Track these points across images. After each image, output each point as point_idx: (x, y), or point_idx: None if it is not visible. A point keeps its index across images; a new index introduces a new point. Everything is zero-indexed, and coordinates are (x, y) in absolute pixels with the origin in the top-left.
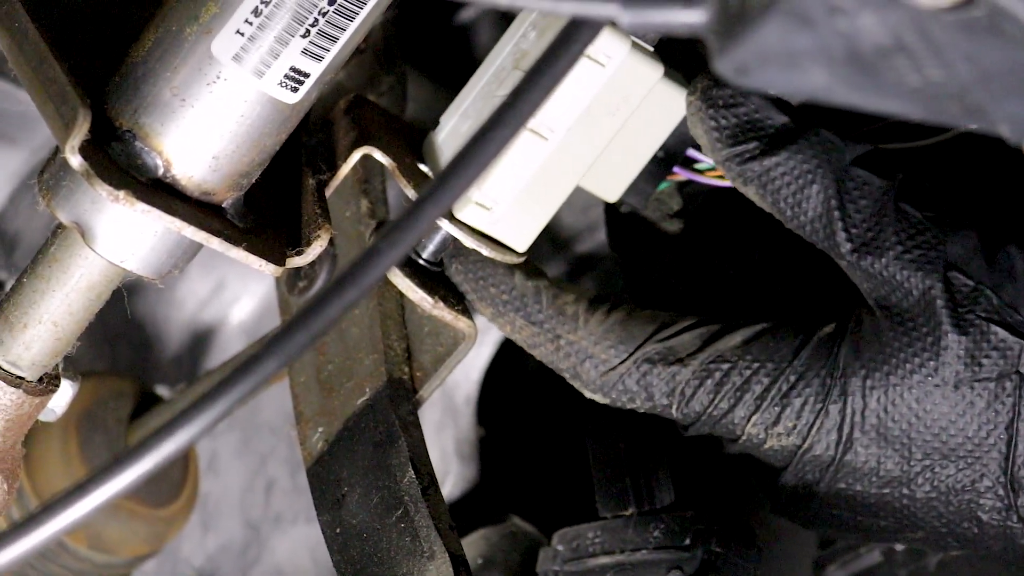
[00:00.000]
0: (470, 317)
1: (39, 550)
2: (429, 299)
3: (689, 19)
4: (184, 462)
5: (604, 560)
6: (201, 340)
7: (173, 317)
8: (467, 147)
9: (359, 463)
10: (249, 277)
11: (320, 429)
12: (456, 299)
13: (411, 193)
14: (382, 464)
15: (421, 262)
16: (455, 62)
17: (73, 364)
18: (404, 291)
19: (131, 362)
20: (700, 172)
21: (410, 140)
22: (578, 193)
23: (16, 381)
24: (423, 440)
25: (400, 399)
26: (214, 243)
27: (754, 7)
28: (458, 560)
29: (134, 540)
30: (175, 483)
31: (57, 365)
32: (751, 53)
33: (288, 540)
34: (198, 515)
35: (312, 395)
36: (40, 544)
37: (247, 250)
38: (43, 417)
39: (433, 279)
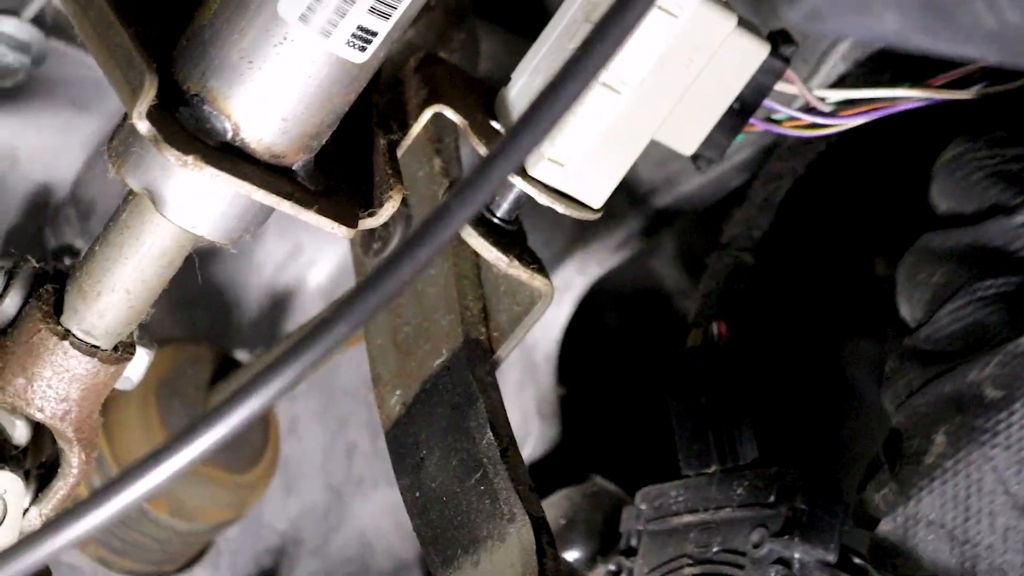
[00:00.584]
0: (546, 275)
1: (119, 517)
2: (504, 258)
3: None
4: (264, 427)
5: (688, 519)
6: (279, 304)
7: (251, 281)
8: (536, 102)
9: (437, 425)
10: (326, 240)
11: (398, 392)
12: (532, 258)
13: (483, 151)
14: (460, 426)
15: (496, 221)
16: (529, 16)
17: (150, 331)
18: (479, 250)
19: (209, 328)
20: (778, 123)
21: (482, 97)
22: (654, 146)
23: (91, 350)
24: (501, 401)
25: (477, 360)
26: (284, 206)
27: None
28: (539, 522)
29: (216, 506)
30: (255, 448)
31: (132, 333)
32: None
33: (370, 504)
34: (280, 479)
35: (389, 358)
36: (120, 511)
37: (318, 212)
38: (120, 385)
39: (508, 238)
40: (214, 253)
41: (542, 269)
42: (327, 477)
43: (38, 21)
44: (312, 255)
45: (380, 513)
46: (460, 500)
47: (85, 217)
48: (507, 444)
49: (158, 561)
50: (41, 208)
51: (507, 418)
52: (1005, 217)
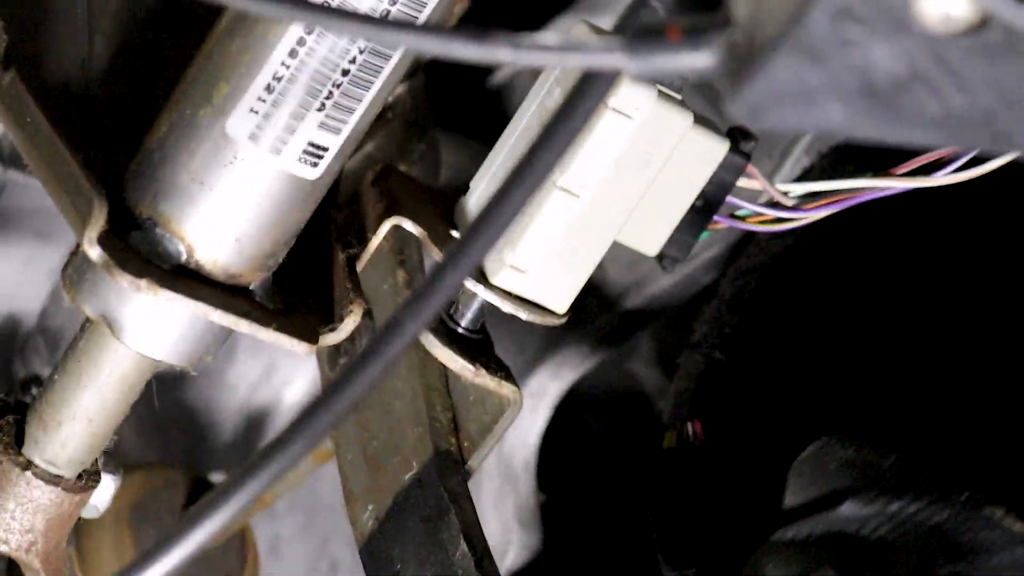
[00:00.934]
0: (514, 383)
1: None
2: (471, 367)
3: (697, 62)
4: (240, 547)
5: None
6: (254, 424)
7: (225, 402)
8: (486, 209)
9: (411, 539)
10: (300, 359)
11: (370, 507)
12: (499, 365)
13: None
14: (434, 539)
15: (460, 331)
16: (490, 125)
17: (121, 456)
18: (444, 361)
19: (184, 450)
20: (742, 219)
21: (442, 207)
22: (622, 249)
23: (54, 479)
24: (474, 511)
25: (448, 471)
26: (242, 326)
27: (762, 45)
28: None
29: None
30: (232, 570)
31: (96, 460)
32: (763, 93)
33: None
34: None
35: (360, 473)
36: None
37: (277, 330)
38: (86, 514)
39: (474, 347)
40: (186, 375)
41: (510, 376)
42: None
43: None
44: (287, 374)
45: None
46: None
47: (53, 347)
48: (481, 554)
49: None
50: (8, 339)
51: (480, 528)
52: (857, 502)
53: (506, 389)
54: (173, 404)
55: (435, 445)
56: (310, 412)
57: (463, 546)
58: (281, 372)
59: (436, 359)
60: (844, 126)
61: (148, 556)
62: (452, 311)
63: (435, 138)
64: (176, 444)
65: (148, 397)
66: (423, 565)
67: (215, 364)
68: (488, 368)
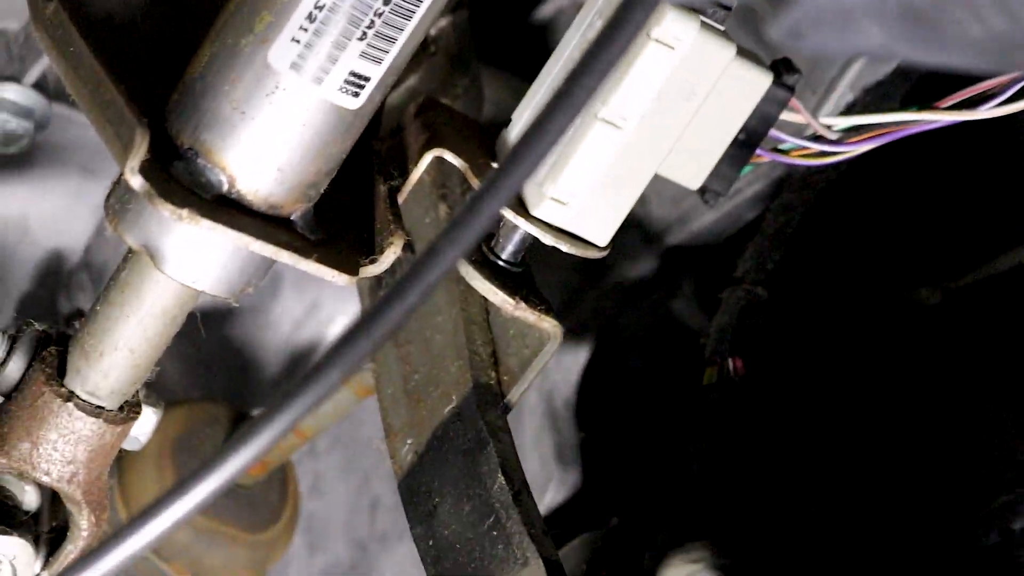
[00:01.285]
0: (554, 317)
1: (125, 566)
2: (511, 300)
3: None
4: (282, 484)
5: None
6: (298, 362)
7: (269, 340)
8: (524, 137)
9: (449, 473)
10: (344, 296)
11: (409, 441)
12: (539, 299)
13: None
14: (472, 472)
15: (501, 263)
16: (534, 60)
17: (164, 391)
18: (484, 293)
19: (227, 387)
20: (785, 153)
21: (484, 140)
22: (666, 184)
23: (96, 411)
24: (513, 445)
25: (487, 404)
26: (284, 256)
27: None
28: (552, 565)
29: (235, 566)
30: (273, 506)
31: (138, 392)
32: (803, 15)
33: (395, 557)
34: (304, 537)
35: (400, 407)
36: (126, 560)
37: (318, 261)
38: (128, 446)
39: (515, 280)
40: (231, 311)
41: (550, 310)
42: (351, 533)
43: (40, 86)
44: (330, 312)
45: (405, 566)
46: (473, 547)
47: (98, 282)
48: (519, 488)
49: None
50: (53, 275)
51: (519, 462)
52: None
53: (546, 323)
54: (217, 341)
55: (475, 379)
56: (348, 339)
57: (501, 479)
58: (325, 309)
59: (477, 293)
60: (884, 49)
61: (188, 480)
62: (493, 244)
63: (478, 73)
64: (219, 381)
65: (193, 334)
66: (461, 498)
67: (259, 301)
68: (528, 301)
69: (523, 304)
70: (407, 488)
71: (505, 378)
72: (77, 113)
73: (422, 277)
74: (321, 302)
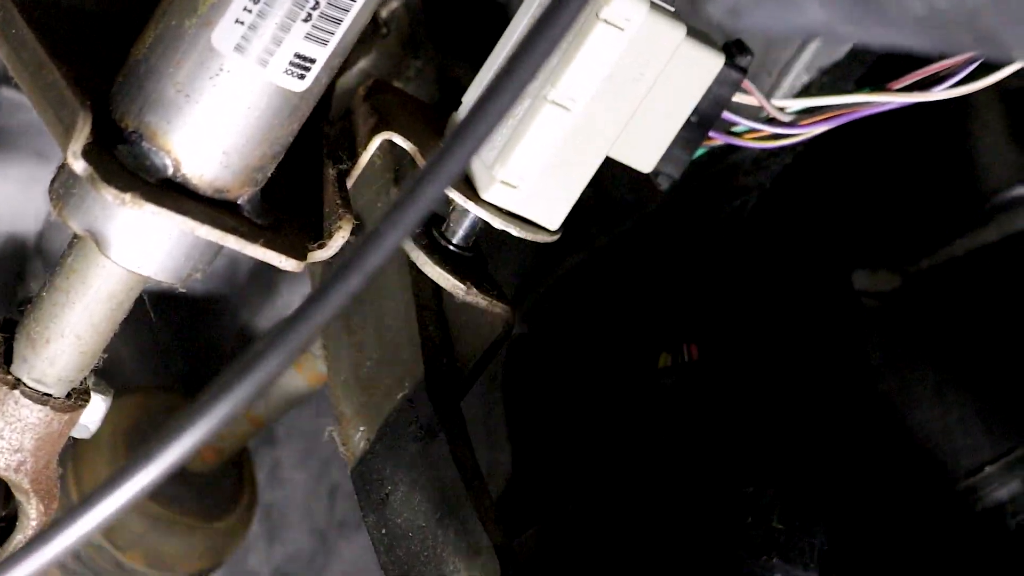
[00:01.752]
0: (507, 302)
1: (70, 552)
2: (461, 286)
3: None
4: (238, 472)
5: None
6: None
7: (226, 327)
8: (467, 117)
9: (402, 461)
10: (302, 282)
11: (362, 428)
12: (491, 284)
13: None
14: (424, 460)
15: (452, 248)
16: (488, 43)
17: (119, 379)
18: (435, 279)
19: (184, 375)
20: (738, 135)
21: (435, 123)
22: (625, 169)
23: (43, 398)
24: (466, 433)
25: (440, 392)
26: (230, 241)
27: None
28: (505, 553)
29: (192, 555)
30: (229, 494)
31: (86, 379)
32: None
33: (354, 545)
34: (263, 526)
35: (352, 394)
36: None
37: (265, 246)
38: (77, 434)
39: (466, 265)
40: (187, 299)
41: (502, 296)
42: (311, 521)
43: None
44: (289, 299)
45: (365, 554)
46: (426, 535)
47: (51, 268)
48: (471, 476)
49: None
50: (6, 261)
51: (472, 450)
52: None
53: (498, 308)
54: (173, 328)
55: (427, 365)
56: (291, 322)
57: (453, 468)
58: (282, 296)
59: (429, 279)
60: (826, 27)
61: (131, 466)
62: (444, 229)
63: (431, 56)
64: (176, 368)
65: (149, 321)
66: (413, 486)
67: (216, 288)
68: (480, 287)
69: (474, 289)
70: (359, 476)
71: (458, 364)
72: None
73: (366, 260)
74: (279, 289)
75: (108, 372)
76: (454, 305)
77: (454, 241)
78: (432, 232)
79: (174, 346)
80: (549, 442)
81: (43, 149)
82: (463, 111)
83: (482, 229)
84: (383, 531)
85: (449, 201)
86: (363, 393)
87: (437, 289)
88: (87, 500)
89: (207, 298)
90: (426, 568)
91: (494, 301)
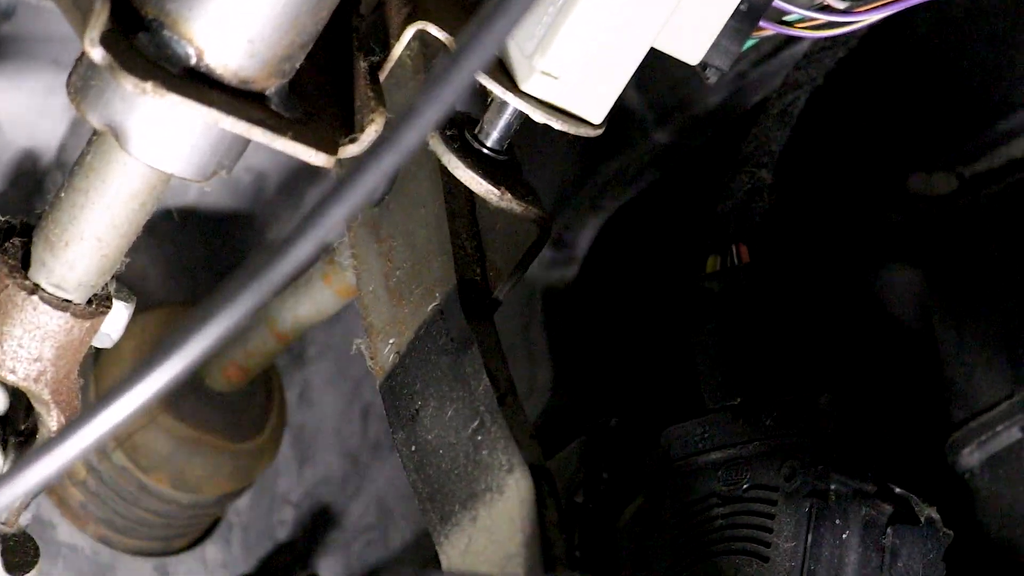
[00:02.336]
0: (542, 208)
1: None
2: (495, 191)
3: None
4: (266, 392)
5: (715, 456)
6: None
7: (254, 243)
8: None
9: (432, 375)
10: None
11: (391, 340)
12: (526, 190)
13: None
14: (456, 374)
15: (486, 151)
16: None
17: (146, 295)
18: (468, 183)
19: (211, 290)
20: (790, 25)
21: (470, 11)
22: (666, 67)
23: (63, 304)
24: (499, 345)
25: (472, 302)
26: (256, 133)
27: None
28: (539, 471)
29: (218, 476)
30: (256, 415)
31: (107, 285)
32: None
33: (388, 467)
34: (293, 449)
35: (381, 305)
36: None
37: (293, 139)
38: (98, 343)
39: (500, 169)
40: (215, 215)
41: (537, 201)
42: (342, 443)
43: None
44: None
45: (398, 476)
46: (457, 452)
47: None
48: (505, 391)
49: (164, 537)
50: (27, 174)
51: (505, 363)
52: None
53: (533, 214)
54: (200, 244)
55: (459, 275)
56: (324, 203)
57: (485, 381)
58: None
59: (462, 185)
60: None
61: (150, 361)
62: (477, 131)
63: None
64: (203, 286)
65: (175, 236)
66: (444, 401)
67: (243, 204)
68: (514, 192)
69: (508, 194)
70: (388, 390)
71: (491, 273)
72: (45, 1)
73: (399, 141)
74: (308, 203)
75: (132, 288)
76: (488, 212)
77: (488, 144)
78: (465, 135)
79: (200, 262)
80: (591, 355)
81: (60, 58)
82: None
83: (517, 131)
84: (413, 448)
85: (486, 96)
86: (393, 304)
87: (470, 196)
88: (105, 397)
89: (234, 213)
90: (457, 486)
91: (529, 207)
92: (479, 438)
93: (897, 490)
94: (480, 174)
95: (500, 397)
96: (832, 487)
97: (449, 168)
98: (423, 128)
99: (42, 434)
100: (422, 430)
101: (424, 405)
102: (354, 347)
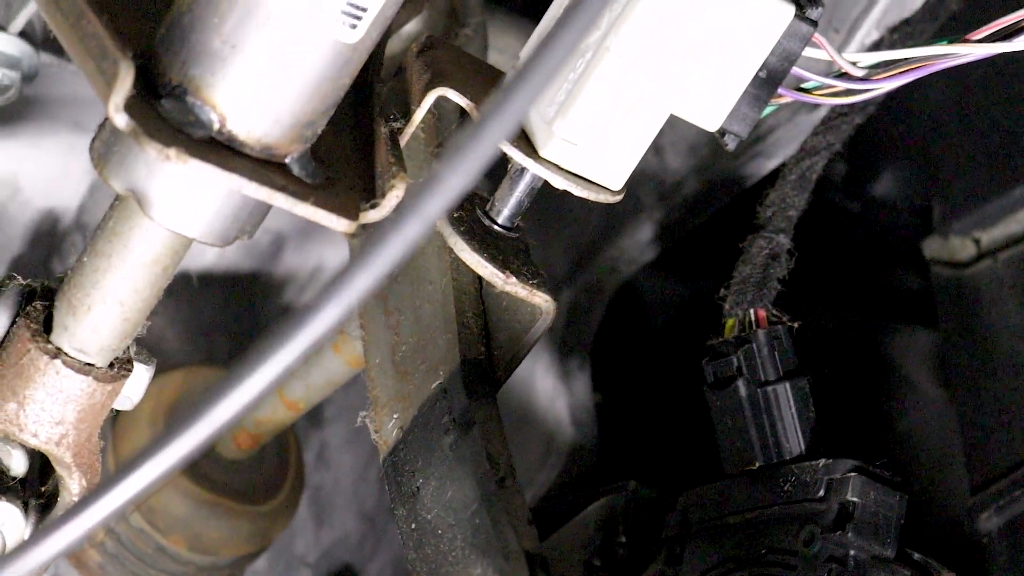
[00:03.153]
0: (547, 291)
1: (105, 524)
2: (500, 275)
3: None
4: (282, 454)
5: (733, 520)
6: None
7: (271, 305)
8: (527, 63)
9: (434, 453)
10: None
11: (395, 416)
12: (532, 272)
13: None
14: (456, 454)
15: (497, 228)
16: (542, 5)
17: (163, 357)
18: (473, 266)
19: (229, 353)
20: (808, 92)
21: (490, 80)
22: (682, 133)
23: (85, 368)
24: (500, 427)
25: (475, 382)
26: (278, 199)
27: None
28: (535, 560)
29: (235, 539)
30: (273, 477)
31: (128, 348)
32: None
33: None
34: (310, 510)
35: (387, 378)
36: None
37: (316, 205)
38: (119, 405)
39: (509, 248)
40: (232, 277)
41: (543, 284)
42: (359, 504)
43: (27, 35)
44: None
45: None
46: (455, 534)
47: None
48: (504, 474)
49: None
50: (46, 236)
51: (506, 446)
52: None
53: (538, 298)
54: (218, 306)
55: (463, 354)
56: (345, 274)
57: (485, 464)
58: (329, 272)
59: None
60: None
61: (172, 431)
62: (488, 207)
63: (482, 20)
64: (220, 347)
65: (192, 298)
66: (444, 481)
67: (261, 264)
68: (520, 275)
69: (514, 278)
70: (391, 465)
71: (496, 353)
72: (67, 64)
73: (423, 209)
74: (325, 264)
75: (151, 350)
76: (494, 291)
77: (499, 220)
78: (476, 212)
79: (217, 324)
80: (609, 419)
81: (82, 119)
82: (522, 61)
83: (528, 209)
84: (413, 526)
85: (505, 161)
86: (398, 378)
87: (476, 274)
88: (126, 466)
89: (251, 275)
90: (453, 568)
91: (534, 290)
92: (477, 521)
93: (916, 556)
94: (486, 257)
95: (499, 480)
96: (851, 552)
97: (455, 251)
98: (448, 196)
99: (63, 497)
100: (422, 509)
101: (425, 483)
102: (359, 419)
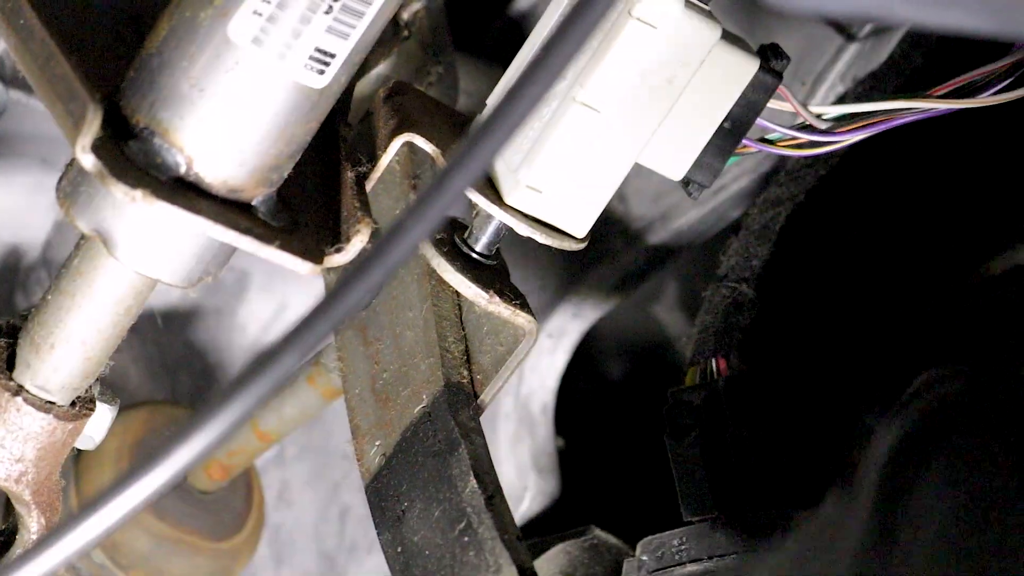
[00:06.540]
0: (530, 312)
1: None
2: (484, 294)
3: None
4: (246, 491)
5: (692, 568)
6: None
7: (235, 342)
8: (495, 109)
9: (419, 476)
10: (313, 297)
11: (377, 443)
12: (514, 294)
13: None
14: (443, 475)
15: (475, 255)
16: (511, 49)
17: (127, 394)
18: (457, 286)
19: (193, 391)
20: (773, 143)
21: (457, 126)
22: (648, 181)
23: (46, 406)
24: (486, 447)
25: (459, 404)
26: (244, 242)
27: None
28: (526, 573)
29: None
30: (237, 514)
31: (91, 387)
32: None
33: (364, 569)
34: (270, 548)
35: (368, 407)
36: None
37: (280, 248)
38: (81, 445)
39: (489, 273)
40: (196, 314)
41: (525, 306)
42: (320, 543)
43: None
44: (299, 312)
45: None
46: (443, 553)
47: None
48: (492, 492)
49: None
50: (10, 271)
51: (492, 464)
52: None
53: (521, 318)
54: (181, 344)
55: (446, 377)
56: (308, 320)
57: (472, 482)
58: (292, 311)
59: (449, 288)
60: (880, 7)
61: (137, 470)
62: (467, 236)
63: (453, 61)
64: (184, 385)
65: (156, 336)
66: (430, 502)
67: (225, 302)
68: (502, 296)
69: (497, 298)
70: (374, 492)
71: (478, 377)
72: (36, 101)
73: (386, 256)
74: (288, 303)
75: (114, 387)
76: (475, 315)
77: (477, 248)
78: (455, 238)
79: (182, 362)
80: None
81: (49, 156)
82: (488, 111)
83: (506, 237)
84: (399, 549)
85: (473, 206)
86: (379, 406)
87: (457, 298)
88: (89, 504)
89: (216, 313)
90: None
91: (517, 311)
92: (466, 539)
93: None
94: (469, 278)
95: (487, 498)
96: None
97: (439, 271)
98: (411, 243)
99: (22, 535)
100: (408, 531)
101: (410, 506)
102: (343, 448)
